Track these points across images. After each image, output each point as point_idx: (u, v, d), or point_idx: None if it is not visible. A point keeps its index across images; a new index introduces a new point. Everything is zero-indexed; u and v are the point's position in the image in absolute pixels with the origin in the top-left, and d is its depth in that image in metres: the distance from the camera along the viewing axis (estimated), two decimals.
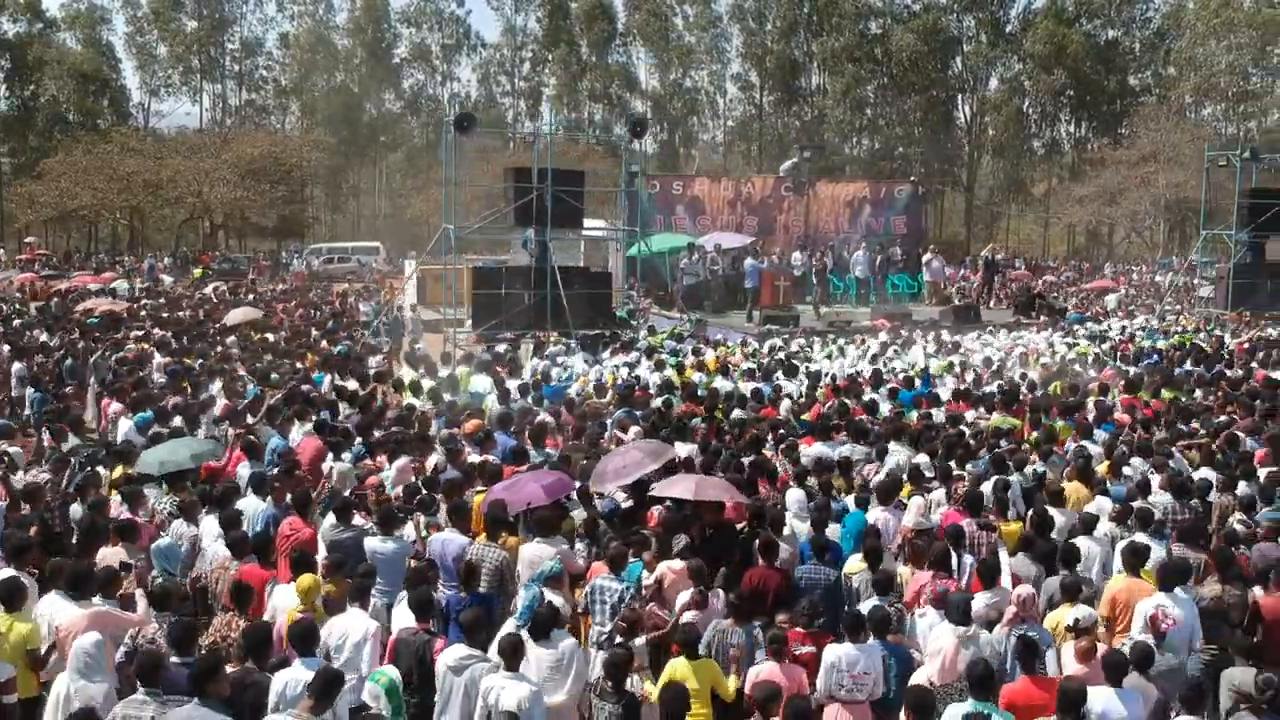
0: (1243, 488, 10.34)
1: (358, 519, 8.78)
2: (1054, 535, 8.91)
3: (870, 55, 64.51)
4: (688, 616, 7.61)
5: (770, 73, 67.23)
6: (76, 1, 64.84)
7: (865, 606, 7.30)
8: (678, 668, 6.85)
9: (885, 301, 26.91)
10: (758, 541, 8.38)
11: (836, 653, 6.56)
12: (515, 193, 19.21)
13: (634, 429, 11.94)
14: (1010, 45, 67.03)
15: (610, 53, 68.22)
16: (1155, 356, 18.62)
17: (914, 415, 13.40)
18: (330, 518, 8.74)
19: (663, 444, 10.20)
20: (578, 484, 9.80)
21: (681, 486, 8.70)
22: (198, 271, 42.53)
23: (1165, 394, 15.39)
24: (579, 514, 9.43)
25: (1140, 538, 8.38)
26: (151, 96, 66.98)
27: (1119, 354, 19.50)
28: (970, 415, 13.92)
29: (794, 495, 9.68)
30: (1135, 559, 7.85)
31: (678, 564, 8.16)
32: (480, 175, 51.01)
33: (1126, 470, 10.89)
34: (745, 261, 23.97)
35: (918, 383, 15.66)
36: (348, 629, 6.83)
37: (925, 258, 27.75)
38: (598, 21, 65.54)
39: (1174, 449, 11.67)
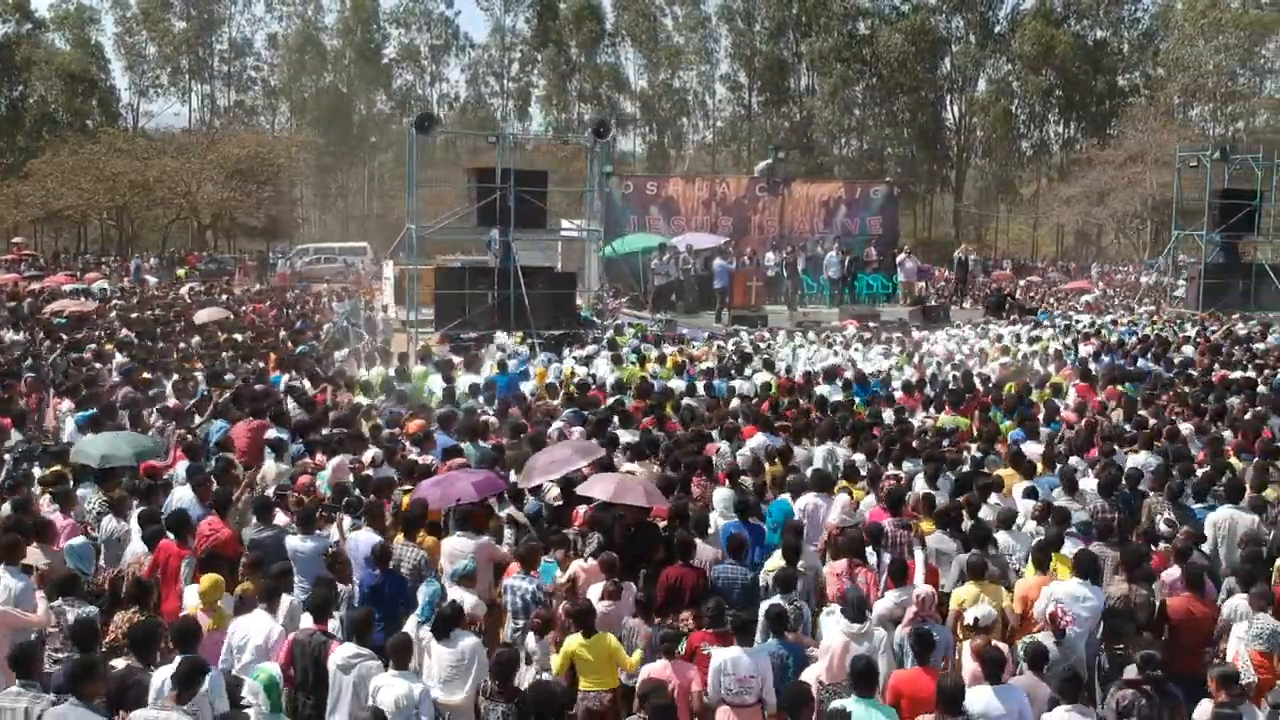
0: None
1: (280, 518, 8.82)
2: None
3: (858, 56, 64.53)
4: (600, 608, 7.66)
5: (759, 73, 67.27)
6: (65, 2, 65.00)
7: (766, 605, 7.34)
8: (573, 644, 6.91)
9: (858, 302, 26.95)
10: (676, 540, 8.42)
11: (723, 656, 6.57)
12: (478, 193, 19.23)
13: (577, 429, 11.96)
14: (999, 46, 67.09)
15: (599, 53, 68.25)
16: (1115, 352, 18.63)
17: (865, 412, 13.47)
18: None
19: (593, 444, 10.22)
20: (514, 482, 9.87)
21: (600, 487, 8.73)
22: (181, 272, 42.48)
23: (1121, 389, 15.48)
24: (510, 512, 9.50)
25: (1054, 535, 8.42)
26: (140, 97, 67.08)
27: (1079, 347, 19.55)
28: (920, 415, 13.99)
29: (722, 493, 9.71)
30: (1043, 555, 7.88)
31: (590, 563, 8.20)
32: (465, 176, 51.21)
33: (1073, 462, 10.89)
34: (714, 262, 23.97)
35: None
36: (250, 631, 6.85)
37: (899, 258, 27.77)
38: (586, 22, 65.57)
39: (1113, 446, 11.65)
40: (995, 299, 26.13)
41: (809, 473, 10.06)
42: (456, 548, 8.42)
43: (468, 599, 7.65)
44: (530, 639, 7.56)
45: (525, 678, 7.20)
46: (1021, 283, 46.13)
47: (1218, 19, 62.32)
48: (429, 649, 7.10)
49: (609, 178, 27.33)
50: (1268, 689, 6.47)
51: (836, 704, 5.85)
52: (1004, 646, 6.89)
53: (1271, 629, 6.73)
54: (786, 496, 9.64)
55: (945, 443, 12.04)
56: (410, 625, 7.21)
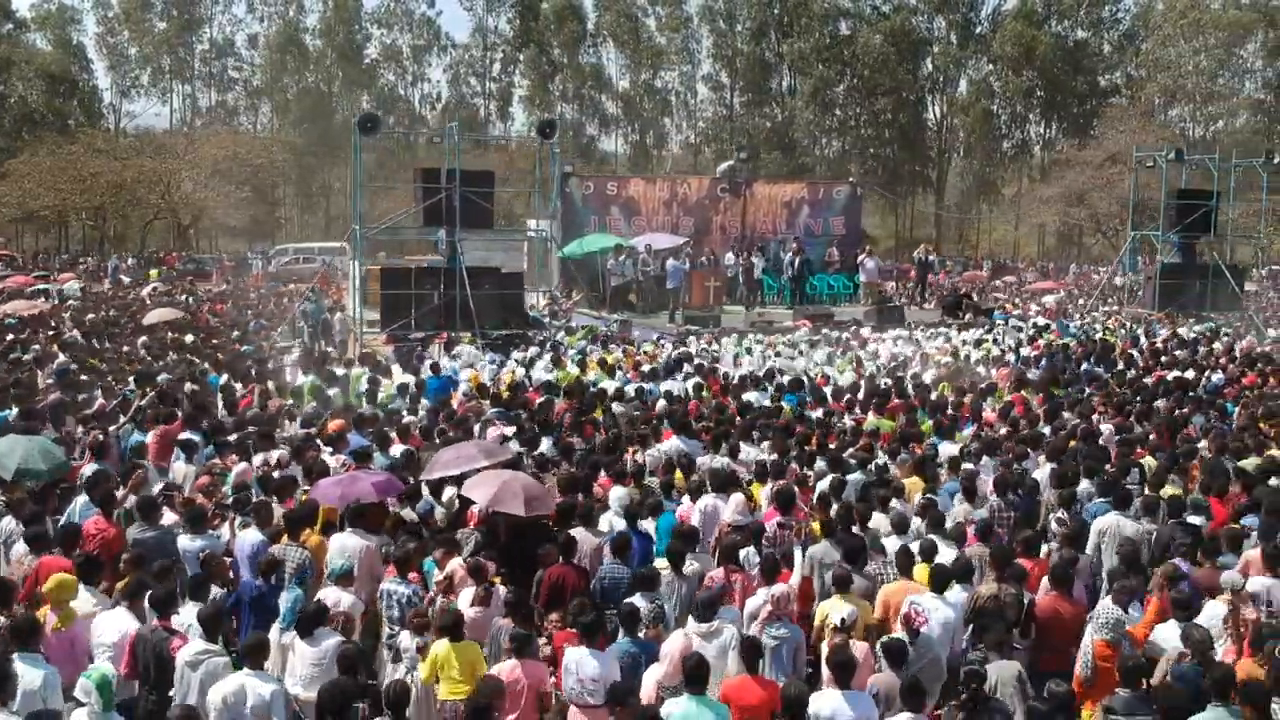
0: (1084, 485, 10.41)
1: (169, 517, 8.84)
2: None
3: (838, 57, 64.61)
4: (469, 614, 7.69)
5: (740, 73, 67.33)
6: (47, 2, 64.88)
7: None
8: (439, 650, 6.94)
9: (818, 302, 27.04)
10: (561, 540, 8.46)
11: (572, 656, 6.62)
12: (423, 193, 19.25)
13: (494, 430, 12.00)
14: (979, 47, 67.20)
15: (581, 54, 68.27)
16: (1057, 356, 18.70)
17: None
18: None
19: (499, 445, 10.26)
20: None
21: (480, 491, 8.75)
22: (154, 273, 42.45)
23: (1054, 391, 15.56)
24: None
25: (931, 538, 8.48)
26: (122, 97, 67.00)
27: (1020, 350, 19.64)
28: (850, 417, 14.03)
29: (617, 493, 9.74)
30: (906, 560, 7.94)
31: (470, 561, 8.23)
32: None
33: (969, 467, 10.93)
34: (668, 263, 24.00)
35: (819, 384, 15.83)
36: (105, 628, 6.88)
37: (860, 258, 27.81)
38: (568, 22, 65.57)
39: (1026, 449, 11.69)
40: (952, 299, 26.18)
41: (707, 474, 10.08)
42: (345, 545, 8.45)
43: (344, 598, 7.71)
44: (404, 637, 7.58)
45: (390, 675, 7.26)
46: (998, 283, 46.38)
47: (1197, 19, 62.46)
48: (293, 647, 7.15)
49: (569, 178, 27.35)
50: (1107, 679, 6.51)
51: (666, 705, 5.89)
52: (862, 646, 6.94)
53: (1116, 618, 6.78)
54: (676, 507, 9.68)
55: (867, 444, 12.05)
56: (274, 631, 7.26)
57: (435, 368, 15.44)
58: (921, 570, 7.98)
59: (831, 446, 12.02)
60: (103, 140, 55.61)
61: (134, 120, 67.30)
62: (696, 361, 17.33)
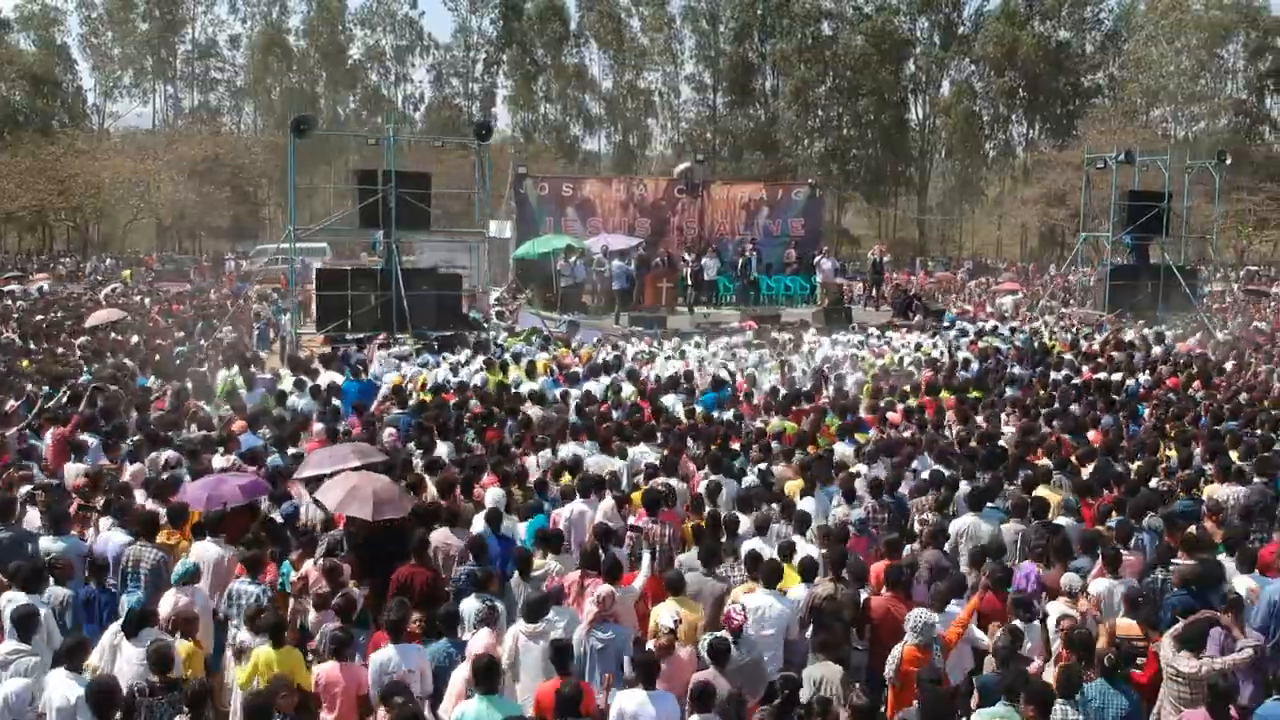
0: (963, 487, 10.47)
1: (34, 517, 8.91)
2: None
3: (819, 58, 64.66)
4: (313, 615, 7.76)
5: (723, 74, 67.36)
6: (30, 2, 64.95)
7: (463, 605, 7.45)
8: (261, 655, 6.98)
9: (776, 303, 27.11)
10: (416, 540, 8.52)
11: (381, 655, 6.68)
12: (360, 194, 19.30)
13: (388, 431, 12.07)
14: (962, 47, 67.22)
15: (564, 54, 68.29)
16: (990, 359, 18.73)
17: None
18: None
19: (370, 446, 10.32)
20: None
21: (332, 495, 8.79)
22: (127, 273, 42.51)
23: (974, 394, 15.61)
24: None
25: (791, 540, 8.55)
26: (105, 98, 67.10)
27: (954, 352, 19.70)
28: (760, 419, 14.07)
29: (493, 495, 9.79)
30: (753, 562, 7.99)
31: (324, 563, 8.29)
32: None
33: (858, 470, 10.99)
34: (613, 264, 24.05)
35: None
36: None
37: (817, 259, 27.85)
38: (550, 23, 65.59)
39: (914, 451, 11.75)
40: (902, 301, 26.23)
41: (578, 479, 10.14)
42: (202, 553, 8.51)
43: (181, 599, 7.76)
44: (245, 636, 7.62)
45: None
46: (973, 284, 46.43)
47: (1179, 20, 62.52)
48: (120, 648, 7.20)
49: (524, 179, 27.41)
50: (909, 683, 6.57)
51: (459, 705, 5.95)
52: (688, 648, 6.99)
53: (925, 622, 6.81)
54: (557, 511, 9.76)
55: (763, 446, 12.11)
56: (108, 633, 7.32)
57: (356, 372, 15.48)
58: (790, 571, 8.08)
59: (735, 448, 12.09)
60: (82, 141, 55.68)
61: (118, 121, 67.40)
62: (628, 364, 17.39)
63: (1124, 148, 27.35)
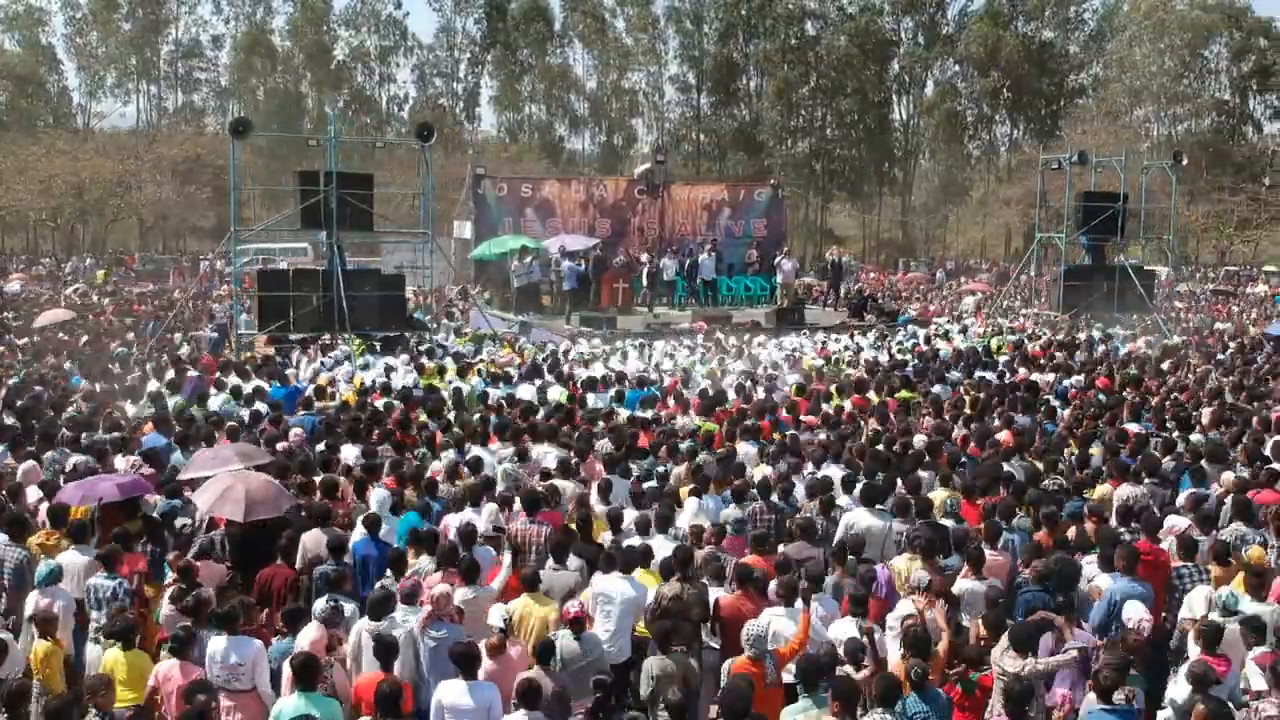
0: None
1: None
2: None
3: (802, 58, 64.72)
4: (165, 610, 7.82)
5: (707, 74, 67.41)
6: (15, 3, 65.05)
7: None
8: (109, 656, 7.04)
9: (737, 304, 27.18)
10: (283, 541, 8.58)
11: (213, 646, 6.75)
12: (302, 195, 19.36)
13: (294, 432, 12.12)
14: (945, 48, 67.23)
15: (549, 54, 68.34)
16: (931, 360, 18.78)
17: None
18: None
19: (259, 449, 10.37)
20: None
21: (205, 496, 8.86)
22: (101, 274, 42.60)
23: (903, 395, 15.65)
24: None
25: (649, 541, 8.61)
26: (89, 98, 67.21)
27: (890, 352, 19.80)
28: (681, 419, 14.11)
29: (377, 495, 9.84)
30: (609, 561, 8.05)
31: (198, 564, 8.34)
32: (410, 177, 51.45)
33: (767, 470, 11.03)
34: (563, 264, 24.10)
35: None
36: None
37: (777, 260, 27.90)
38: (534, 23, 65.64)
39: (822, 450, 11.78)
40: (856, 301, 26.28)
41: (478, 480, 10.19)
42: (69, 561, 8.54)
43: (43, 600, 7.81)
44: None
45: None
46: (952, 284, 46.55)
47: (1162, 20, 62.51)
48: None
49: (482, 180, 27.46)
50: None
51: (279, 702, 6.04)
52: (518, 647, 7.06)
53: (758, 634, 6.83)
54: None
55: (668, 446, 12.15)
56: None
57: (282, 378, 15.51)
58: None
59: (644, 448, 12.13)
60: (64, 141, 55.73)
61: (103, 120, 67.50)
62: (565, 365, 17.47)
63: (1078, 148, 27.33)
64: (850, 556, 8.59)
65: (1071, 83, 68.29)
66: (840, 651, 6.80)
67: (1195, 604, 7.92)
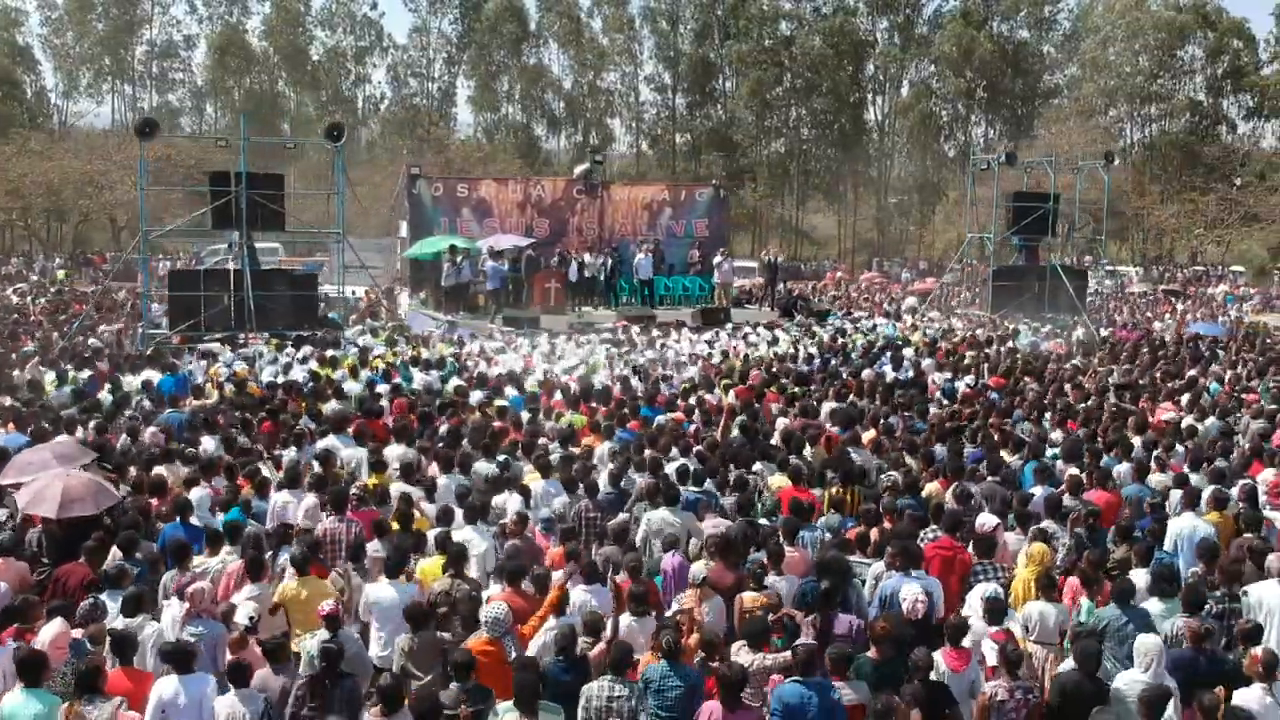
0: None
1: None
2: None
3: (776, 59, 64.79)
4: None
5: (683, 75, 67.49)
6: None
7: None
8: None
9: (674, 303, 27.31)
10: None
11: (47, 631, 6.94)
12: (212, 196, 19.46)
13: (150, 430, 12.22)
14: (920, 50, 67.29)
15: (525, 54, 68.40)
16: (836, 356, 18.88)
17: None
18: None
19: (82, 448, 10.45)
20: None
21: (23, 495, 8.97)
22: (61, 274, 42.70)
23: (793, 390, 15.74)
24: None
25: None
26: (65, 99, 67.35)
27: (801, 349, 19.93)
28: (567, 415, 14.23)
29: (196, 492, 9.94)
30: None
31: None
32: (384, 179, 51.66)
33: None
34: (486, 264, 24.19)
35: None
36: None
37: (716, 260, 27.98)
38: (507, 24, 65.69)
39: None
40: (787, 301, 26.38)
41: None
42: None
43: None
44: None
45: None
46: (918, 285, 46.62)
47: (1136, 20, 62.53)
48: None
49: (417, 180, 27.53)
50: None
51: None
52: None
53: (493, 616, 6.95)
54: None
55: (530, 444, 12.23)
56: None
57: (172, 368, 15.63)
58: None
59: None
60: (36, 141, 55.79)
61: (79, 120, 67.59)
62: (463, 364, 17.58)
63: (1006, 150, 27.45)
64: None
65: (1046, 83, 68.37)
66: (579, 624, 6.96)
67: (972, 601, 8.05)
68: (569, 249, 27.60)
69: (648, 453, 11.25)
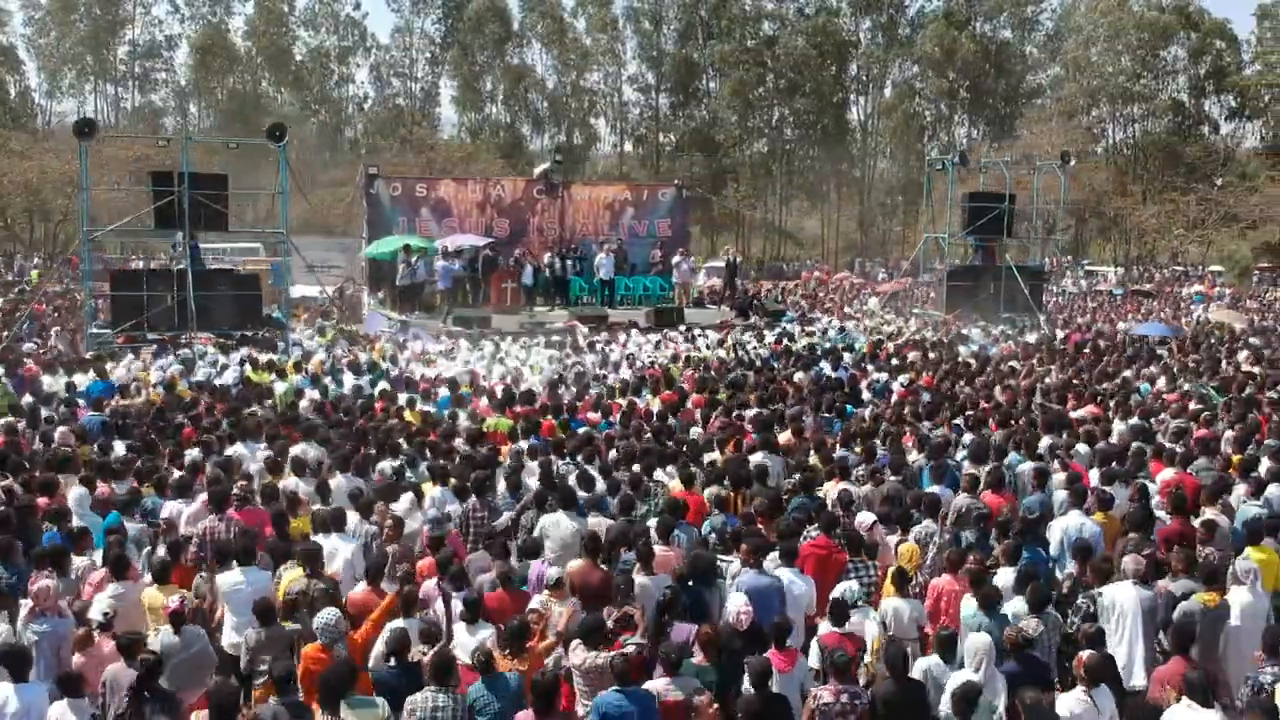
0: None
1: None
2: None
3: (758, 60, 64.85)
4: None
5: (666, 75, 67.54)
6: None
7: None
8: None
9: (633, 304, 27.35)
10: None
11: None
12: (155, 196, 19.48)
13: (59, 431, 12.26)
14: (903, 50, 67.35)
15: (508, 54, 68.44)
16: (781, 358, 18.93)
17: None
18: None
19: None
20: None
21: None
22: (34, 274, 42.73)
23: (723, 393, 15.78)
24: None
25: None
26: (49, 99, 67.39)
27: (771, 353, 19.95)
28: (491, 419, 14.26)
29: (74, 493, 9.97)
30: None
31: None
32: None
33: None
34: (436, 264, 24.22)
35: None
36: None
37: (674, 259, 28.03)
38: (490, 24, 65.71)
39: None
40: (743, 301, 26.41)
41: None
42: None
43: None
44: None
45: None
46: (885, 286, 46.64)
47: (1118, 20, 62.62)
48: None
49: (375, 179, 27.55)
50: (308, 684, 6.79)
51: None
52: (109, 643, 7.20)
53: (324, 623, 6.96)
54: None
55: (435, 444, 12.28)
56: None
57: (101, 372, 15.66)
58: None
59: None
60: (16, 141, 55.78)
61: (63, 120, 67.45)
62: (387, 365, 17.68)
63: (959, 150, 27.41)
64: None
65: (1029, 83, 68.46)
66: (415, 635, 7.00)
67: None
68: (528, 251, 27.59)
69: (544, 459, 11.27)
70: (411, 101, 69.24)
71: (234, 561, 7.98)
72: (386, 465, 11.30)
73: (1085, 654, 6.59)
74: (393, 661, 6.78)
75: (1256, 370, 18.73)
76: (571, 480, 10.39)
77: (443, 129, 69.84)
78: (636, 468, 10.81)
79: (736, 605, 7.35)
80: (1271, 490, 10.42)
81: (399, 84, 70.19)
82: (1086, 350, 20.22)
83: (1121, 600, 7.77)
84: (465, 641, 7.38)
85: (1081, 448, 12.05)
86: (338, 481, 10.47)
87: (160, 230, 20.10)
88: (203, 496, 9.86)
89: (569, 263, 26.52)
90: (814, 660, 7.01)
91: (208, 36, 66.79)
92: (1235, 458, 11.43)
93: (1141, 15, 63.17)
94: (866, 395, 16.00)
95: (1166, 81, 65.65)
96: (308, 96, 69.33)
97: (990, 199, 26.17)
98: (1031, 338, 23.30)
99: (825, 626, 7.45)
